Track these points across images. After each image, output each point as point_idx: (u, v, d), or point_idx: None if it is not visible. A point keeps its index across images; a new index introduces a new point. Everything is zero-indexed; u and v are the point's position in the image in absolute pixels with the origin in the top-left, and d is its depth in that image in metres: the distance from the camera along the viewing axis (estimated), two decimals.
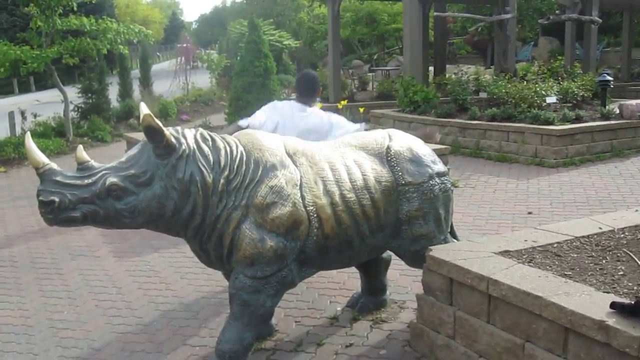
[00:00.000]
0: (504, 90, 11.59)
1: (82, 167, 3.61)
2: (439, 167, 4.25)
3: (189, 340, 4.55)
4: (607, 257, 3.76)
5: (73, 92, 16.55)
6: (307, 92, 4.95)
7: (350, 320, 4.66)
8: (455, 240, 4.51)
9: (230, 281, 3.88)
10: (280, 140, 4.01)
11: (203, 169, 3.63)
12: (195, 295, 5.42)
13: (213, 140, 3.79)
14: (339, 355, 4.16)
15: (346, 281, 5.40)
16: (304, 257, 3.87)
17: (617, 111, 11.20)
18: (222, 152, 3.73)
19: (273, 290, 3.82)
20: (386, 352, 4.17)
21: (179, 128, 3.77)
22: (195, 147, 3.68)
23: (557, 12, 15.08)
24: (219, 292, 5.37)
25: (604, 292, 3.20)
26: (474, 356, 3.65)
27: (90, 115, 16.65)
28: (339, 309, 4.88)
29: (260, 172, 3.74)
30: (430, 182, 4.12)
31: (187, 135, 3.71)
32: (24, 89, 36.89)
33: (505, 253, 3.88)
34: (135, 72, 20.86)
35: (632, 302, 2.89)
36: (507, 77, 12.47)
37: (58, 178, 3.52)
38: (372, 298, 4.79)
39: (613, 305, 2.92)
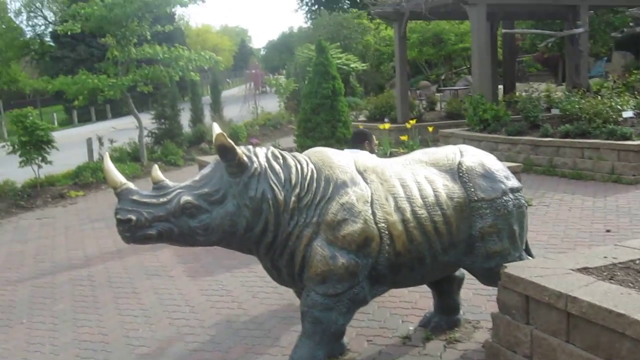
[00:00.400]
0: (577, 106, 11.28)
1: (158, 186, 3.70)
2: (513, 182, 4.16)
3: (260, 357, 4.58)
4: None
5: (147, 119, 17.07)
6: (355, 142, 5.63)
7: (423, 339, 4.59)
8: (530, 258, 4.39)
9: (302, 299, 3.89)
10: (351, 157, 4.02)
11: (274, 186, 3.67)
12: (267, 313, 5.45)
13: (284, 158, 3.83)
14: None
15: (418, 300, 5.33)
16: (375, 275, 3.84)
17: None
18: (293, 170, 3.76)
19: (345, 308, 3.80)
20: None
21: (250, 147, 3.84)
22: (266, 165, 3.73)
23: (630, 24, 14.65)
24: (290, 311, 5.38)
25: None
26: None
27: (164, 140, 17.12)
28: (411, 328, 4.81)
29: (331, 189, 3.75)
30: (504, 198, 4.04)
31: (258, 154, 3.77)
32: (101, 116, 38.34)
33: (584, 270, 3.75)
34: (206, 98, 21.36)
35: None
36: (580, 93, 12.15)
37: (135, 197, 3.62)
38: (445, 317, 4.70)
39: None
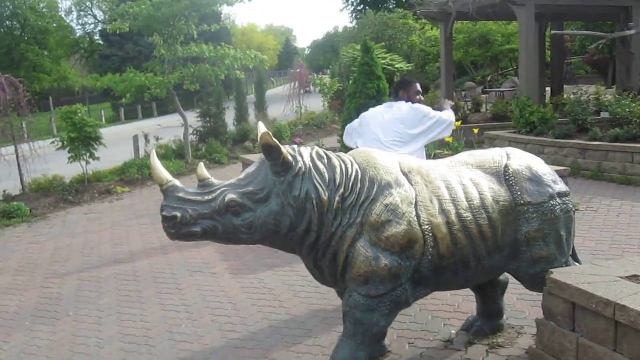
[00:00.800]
0: (627, 110, 11.03)
1: (203, 184, 3.74)
2: (560, 187, 4.08)
3: (302, 357, 4.58)
4: None
5: (192, 117, 17.28)
6: (394, 93, 5.60)
7: (466, 344, 4.54)
8: (577, 264, 4.30)
9: (344, 299, 3.88)
10: (396, 158, 4.00)
11: (319, 186, 3.67)
12: (308, 313, 5.46)
13: (329, 158, 3.83)
14: None
15: (461, 304, 5.28)
16: (418, 277, 3.81)
17: None
18: (338, 170, 3.76)
19: (387, 310, 3.78)
20: None
21: (295, 146, 3.84)
22: (311, 165, 3.73)
23: None
24: (332, 311, 5.38)
25: None
26: None
27: (208, 138, 17.32)
28: (453, 332, 4.76)
29: (375, 190, 3.73)
30: (551, 202, 3.97)
31: (303, 154, 3.77)
32: (147, 114, 39.01)
33: (634, 278, 3.66)
34: (251, 97, 21.52)
35: None
36: (630, 96, 11.87)
37: (180, 194, 3.66)
38: (488, 322, 4.64)
39: None
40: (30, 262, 8.25)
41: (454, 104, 5.40)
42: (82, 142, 12.80)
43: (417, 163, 4.02)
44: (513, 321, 4.84)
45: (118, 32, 15.78)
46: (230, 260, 7.38)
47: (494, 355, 4.34)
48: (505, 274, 4.35)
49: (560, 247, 4.03)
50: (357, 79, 9.24)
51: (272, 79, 56.48)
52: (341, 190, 3.71)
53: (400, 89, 5.53)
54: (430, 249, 3.74)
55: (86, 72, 48.16)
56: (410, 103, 5.41)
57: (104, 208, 11.84)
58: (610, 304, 3.32)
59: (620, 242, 6.84)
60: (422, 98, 5.59)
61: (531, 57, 13.21)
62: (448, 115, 5.37)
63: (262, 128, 3.81)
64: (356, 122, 5.68)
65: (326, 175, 3.73)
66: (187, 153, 15.99)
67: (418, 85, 5.61)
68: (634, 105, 11.14)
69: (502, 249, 3.92)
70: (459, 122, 12.42)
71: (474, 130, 12.43)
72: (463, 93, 21.07)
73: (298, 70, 23.16)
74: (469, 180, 3.95)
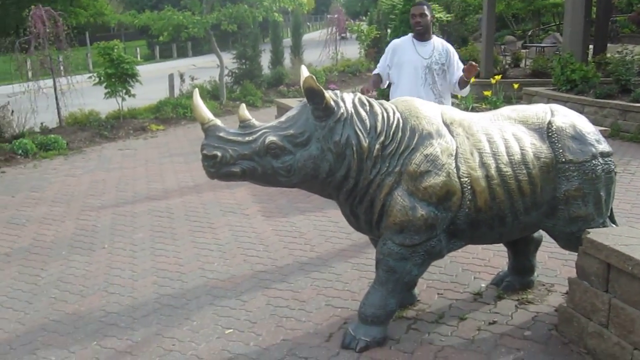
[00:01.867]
0: None
1: (244, 125, 3.74)
2: (603, 146, 4.01)
3: (331, 301, 4.65)
4: None
5: (227, 58, 17.21)
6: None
7: (495, 298, 4.56)
8: (614, 226, 4.26)
9: (378, 247, 3.90)
10: (438, 108, 3.96)
11: (360, 133, 3.66)
12: (339, 258, 5.51)
13: (371, 105, 3.80)
14: (481, 332, 4.10)
15: (491, 258, 5.28)
16: (454, 229, 3.81)
17: None
18: (379, 118, 3.74)
19: (420, 259, 3.81)
20: (531, 333, 4.05)
21: (338, 92, 3.82)
22: (353, 111, 3.71)
23: None
24: (363, 258, 5.43)
25: None
26: (628, 348, 3.46)
27: (243, 80, 17.27)
28: (483, 285, 4.78)
29: (415, 139, 3.71)
30: (593, 161, 3.91)
31: (345, 99, 3.75)
32: (182, 54, 38.96)
33: None
34: (287, 41, 21.34)
35: None
36: None
37: (221, 134, 3.67)
38: (518, 277, 4.65)
39: None
40: (67, 194, 8.41)
41: (477, 68, 5.34)
42: (119, 78, 12.87)
43: (460, 115, 3.97)
44: (543, 278, 4.84)
45: None
46: (262, 202, 7.45)
47: (523, 310, 4.36)
48: (539, 231, 4.33)
49: (598, 207, 3.99)
50: (397, 27, 9.13)
51: (308, 24, 55.79)
52: (381, 138, 3.69)
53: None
54: (468, 202, 3.73)
55: (122, 9, 47.99)
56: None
57: (138, 144, 11.97)
58: None
59: None
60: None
61: (577, 12, 12.83)
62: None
63: (305, 72, 3.79)
64: (387, 48, 5.97)
65: (367, 122, 3.71)
66: (222, 94, 16.00)
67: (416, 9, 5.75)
68: None
69: (539, 206, 3.89)
70: (499, 76, 12.22)
71: (514, 85, 12.19)
72: (502, 47, 20.61)
73: (335, 16, 22.84)
74: (511, 134, 3.90)
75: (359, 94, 3.89)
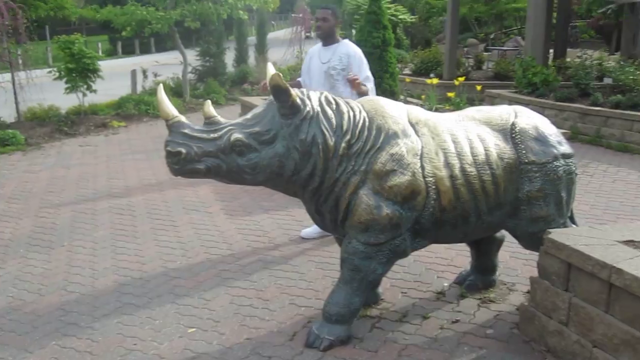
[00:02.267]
0: (631, 77, 10.98)
1: (209, 121, 3.71)
2: (565, 148, 4.08)
3: (295, 300, 4.64)
4: None
5: (191, 55, 17.06)
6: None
7: (458, 297, 4.61)
8: (574, 226, 4.34)
9: (342, 246, 3.91)
10: (404, 108, 3.98)
11: (325, 131, 3.66)
12: (302, 257, 5.50)
13: (337, 103, 3.80)
14: (444, 330, 4.13)
15: (454, 258, 5.33)
16: (418, 228, 3.84)
17: None
18: (346, 116, 3.74)
19: (385, 258, 3.82)
20: (493, 332, 4.10)
21: (304, 90, 3.81)
22: (319, 109, 3.71)
23: None
24: (327, 257, 5.43)
25: None
26: (587, 345, 3.52)
27: (207, 78, 17.15)
28: (446, 284, 4.82)
29: (382, 138, 3.72)
30: (555, 162, 3.97)
31: (312, 98, 3.74)
32: (145, 50, 38.49)
33: (630, 243, 3.69)
34: (251, 39, 21.24)
35: None
36: (635, 64, 11.80)
37: (186, 130, 3.63)
38: (481, 277, 4.70)
39: None
40: (25, 190, 8.24)
41: (359, 84, 5.40)
42: (80, 73, 12.65)
43: (425, 115, 4.00)
44: (505, 278, 4.90)
45: None
46: (226, 200, 7.40)
47: (485, 309, 4.41)
48: (501, 231, 4.38)
49: (559, 208, 4.05)
50: (363, 27, 9.13)
51: (273, 22, 55.60)
52: (347, 137, 3.69)
53: None
54: (432, 201, 3.75)
55: (83, 3, 47.22)
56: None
57: (99, 141, 11.79)
58: (606, 267, 3.35)
59: (614, 208, 6.89)
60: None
61: (539, 17, 13.04)
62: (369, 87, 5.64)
63: (271, 69, 3.77)
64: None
65: (334, 120, 3.71)
66: (185, 91, 15.86)
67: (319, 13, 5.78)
68: (637, 72, 11.09)
69: (502, 206, 3.94)
70: (463, 78, 12.36)
71: (477, 87, 12.35)
72: (465, 49, 20.84)
73: (300, 15, 22.81)
74: (476, 135, 3.94)
75: (325, 93, 3.88)
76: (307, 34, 24.79)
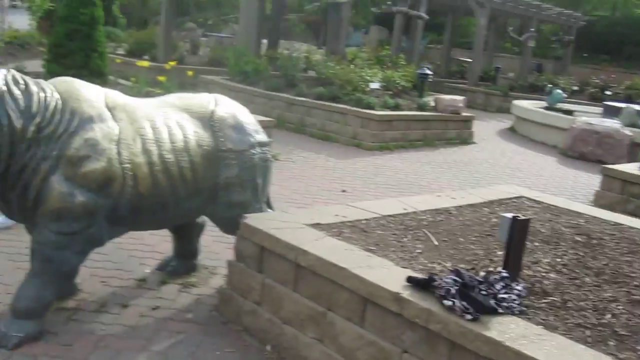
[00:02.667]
0: (331, 72, 11.92)
1: None
2: (261, 137, 4.30)
3: None
4: (409, 236, 4.03)
5: None
6: None
7: (159, 283, 4.60)
8: (270, 211, 4.59)
9: (33, 235, 3.67)
10: (102, 92, 3.84)
11: (12, 113, 3.38)
12: None
13: (26, 84, 3.53)
14: (143, 317, 4.09)
15: (158, 244, 5.31)
16: (115, 216, 3.74)
17: (433, 104, 11.97)
18: (35, 98, 3.49)
19: (80, 248, 3.67)
20: (193, 315, 4.17)
21: None
22: (5, 89, 3.41)
23: (389, 3, 15.74)
24: (19, 247, 5.04)
25: (402, 267, 3.42)
26: (278, 322, 3.76)
27: None
28: (147, 271, 4.79)
29: (75, 123, 3.55)
30: (251, 150, 4.16)
31: None
32: None
33: (317, 225, 4.02)
34: None
35: (425, 277, 3.13)
36: (336, 59, 12.83)
37: None
38: (183, 262, 4.75)
39: (409, 279, 3.14)
40: None
41: None
42: None
43: (124, 99, 3.91)
44: (208, 262, 5.02)
45: None
46: None
47: (186, 294, 4.47)
48: (203, 216, 4.47)
49: (255, 193, 4.26)
50: (70, 2, 8.64)
51: None
52: (37, 120, 3.45)
53: None
54: (130, 188, 3.69)
55: None
56: None
57: None
58: (294, 249, 3.62)
59: (312, 192, 7.44)
60: None
61: (251, 6, 13.52)
62: None
63: None
64: None
65: (22, 101, 3.44)
66: None
67: None
68: (337, 68, 12.07)
69: (201, 192, 4.02)
70: (174, 62, 12.32)
71: (189, 72, 12.40)
72: (182, 33, 20.82)
73: None
74: (175, 122, 3.96)
75: (13, 71, 3.59)
76: (13, 2, 22.74)
